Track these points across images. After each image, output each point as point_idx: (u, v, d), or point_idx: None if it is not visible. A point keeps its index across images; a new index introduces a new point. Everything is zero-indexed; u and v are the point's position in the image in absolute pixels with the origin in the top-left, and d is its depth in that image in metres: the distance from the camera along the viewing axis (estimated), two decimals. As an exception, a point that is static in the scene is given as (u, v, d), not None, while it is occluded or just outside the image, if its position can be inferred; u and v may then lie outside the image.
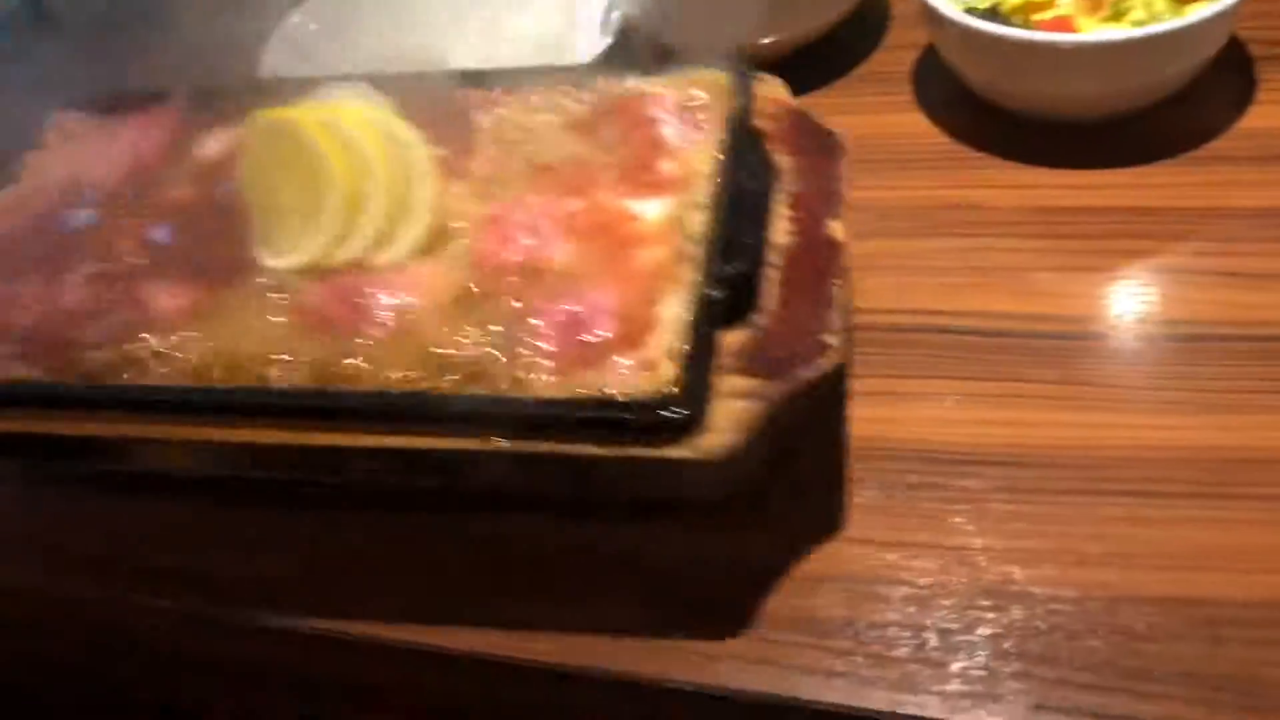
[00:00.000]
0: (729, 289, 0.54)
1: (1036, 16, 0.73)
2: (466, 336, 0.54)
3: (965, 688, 0.49)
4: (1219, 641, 0.49)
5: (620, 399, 0.50)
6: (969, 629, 0.51)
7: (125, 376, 0.56)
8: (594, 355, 0.52)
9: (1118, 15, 0.72)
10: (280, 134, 0.60)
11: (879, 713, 0.49)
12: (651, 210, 0.60)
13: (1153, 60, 0.69)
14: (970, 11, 0.74)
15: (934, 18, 0.74)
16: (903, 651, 0.51)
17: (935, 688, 0.49)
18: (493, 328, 0.54)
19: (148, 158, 0.71)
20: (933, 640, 0.51)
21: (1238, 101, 0.74)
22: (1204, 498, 0.54)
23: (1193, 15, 0.68)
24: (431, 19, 0.93)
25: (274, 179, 0.61)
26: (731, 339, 0.53)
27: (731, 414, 0.50)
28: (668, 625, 0.53)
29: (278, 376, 0.54)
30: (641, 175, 0.62)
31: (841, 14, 0.87)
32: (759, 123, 0.65)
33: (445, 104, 0.68)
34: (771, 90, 0.68)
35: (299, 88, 0.73)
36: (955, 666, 0.50)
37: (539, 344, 0.53)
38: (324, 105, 0.62)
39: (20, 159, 0.73)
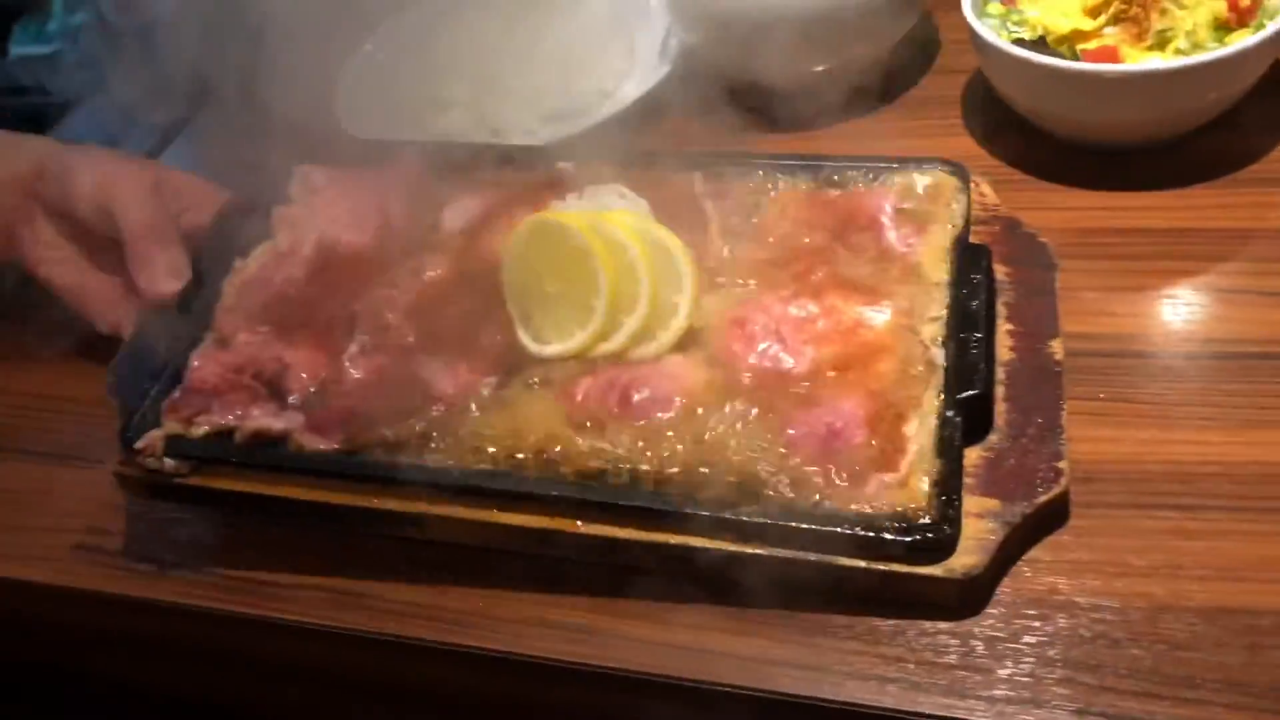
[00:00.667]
0: (968, 409, 0.60)
1: (1082, 46, 0.75)
2: (726, 439, 0.60)
3: (1012, 693, 0.52)
4: (1259, 649, 0.51)
5: (886, 521, 0.56)
6: (1015, 637, 0.54)
7: (413, 455, 0.63)
8: (852, 471, 0.58)
9: (1161, 44, 0.74)
10: (551, 233, 0.66)
11: (929, 717, 0.53)
12: (881, 319, 0.65)
13: (1196, 88, 0.72)
14: (1018, 42, 0.76)
15: (983, 47, 0.77)
16: (952, 658, 0.55)
17: (983, 693, 0.53)
18: (748, 432, 0.60)
19: (395, 220, 0.77)
20: (980, 648, 0.55)
21: (1278, 125, 0.77)
22: (1245, 511, 0.57)
23: (1235, 45, 0.70)
24: (497, 48, 0.97)
25: (540, 272, 0.67)
26: (970, 458, 0.59)
27: (977, 535, 0.56)
28: (723, 632, 0.58)
29: (558, 464, 0.61)
30: (870, 280, 0.68)
31: (893, 41, 0.89)
32: (978, 228, 0.70)
33: (677, 189, 0.74)
34: (981, 193, 0.73)
35: (531, 155, 0.79)
36: (1002, 673, 0.53)
37: (797, 455, 0.59)
38: (593, 211, 0.67)
39: (268, 211, 0.79)
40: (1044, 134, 0.80)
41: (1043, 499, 0.57)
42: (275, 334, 0.70)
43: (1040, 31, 0.77)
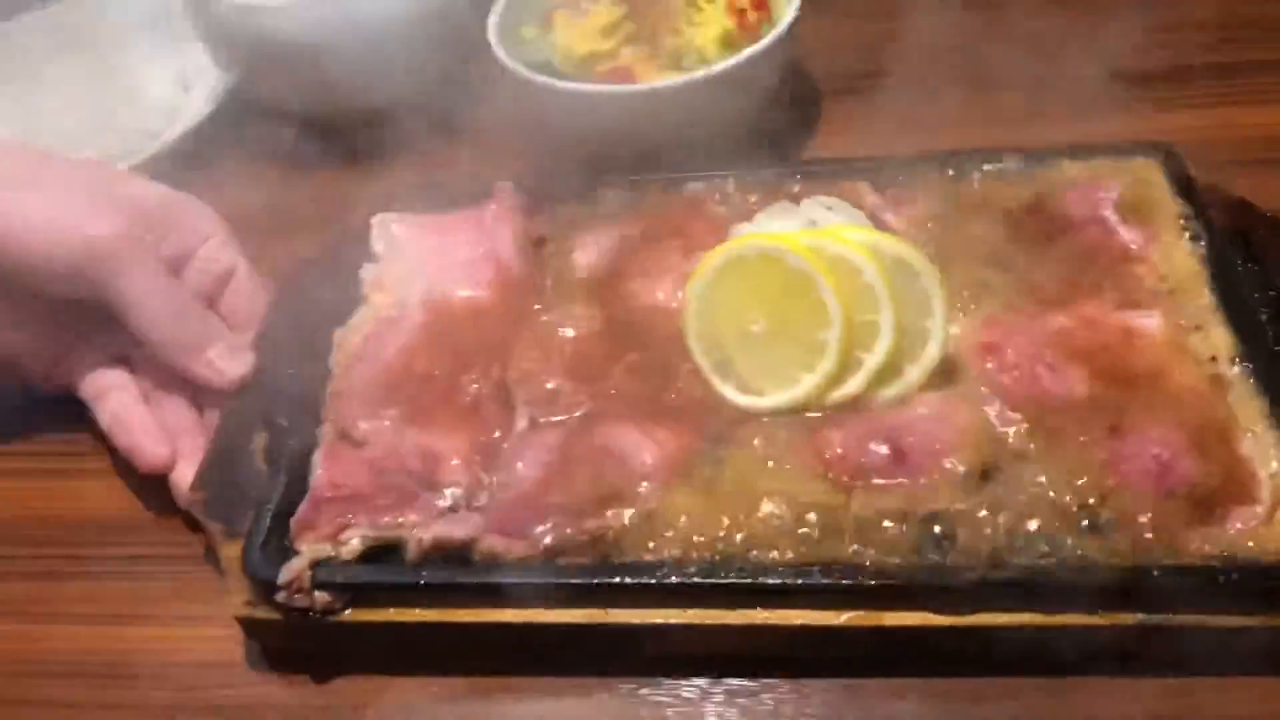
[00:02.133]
0: (1306, 416, 0.50)
1: (600, 68, 0.73)
2: (1033, 488, 0.49)
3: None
4: None
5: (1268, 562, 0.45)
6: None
7: (634, 550, 0.50)
8: (1204, 509, 0.48)
9: (674, 63, 0.72)
10: (756, 260, 0.54)
11: None
12: (1152, 324, 0.56)
13: (706, 100, 0.70)
14: (543, 66, 0.73)
15: (505, 72, 0.73)
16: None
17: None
18: (1056, 476, 0.49)
19: (511, 266, 0.64)
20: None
21: (805, 131, 0.78)
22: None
23: (737, 57, 0.69)
24: (38, 87, 0.89)
25: (741, 309, 0.55)
26: (1326, 478, 0.49)
27: (1375, 568, 0.46)
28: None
29: (827, 542, 0.49)
30: (1117, 284, 0.58)
31: (444, 72, 0.83)
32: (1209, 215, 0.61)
33: (856, 202, 0.63)
34: (1194, 171, 0.64)
35: (667, 189, 0.67)
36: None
37: (1128, 498, 0.48)
38: (806, 228, 0.56)
39: (352, 274, 0.65)
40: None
41: None
42: (407, 417, 0.56)
43: (548, 55, 0.75)
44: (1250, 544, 0.47)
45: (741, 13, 0.71)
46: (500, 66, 0.73)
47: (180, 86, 0.88)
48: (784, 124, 0.77)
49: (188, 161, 0.79)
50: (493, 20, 0.75)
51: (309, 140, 0.83)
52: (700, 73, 0.68)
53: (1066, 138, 0.66)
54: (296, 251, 0.69)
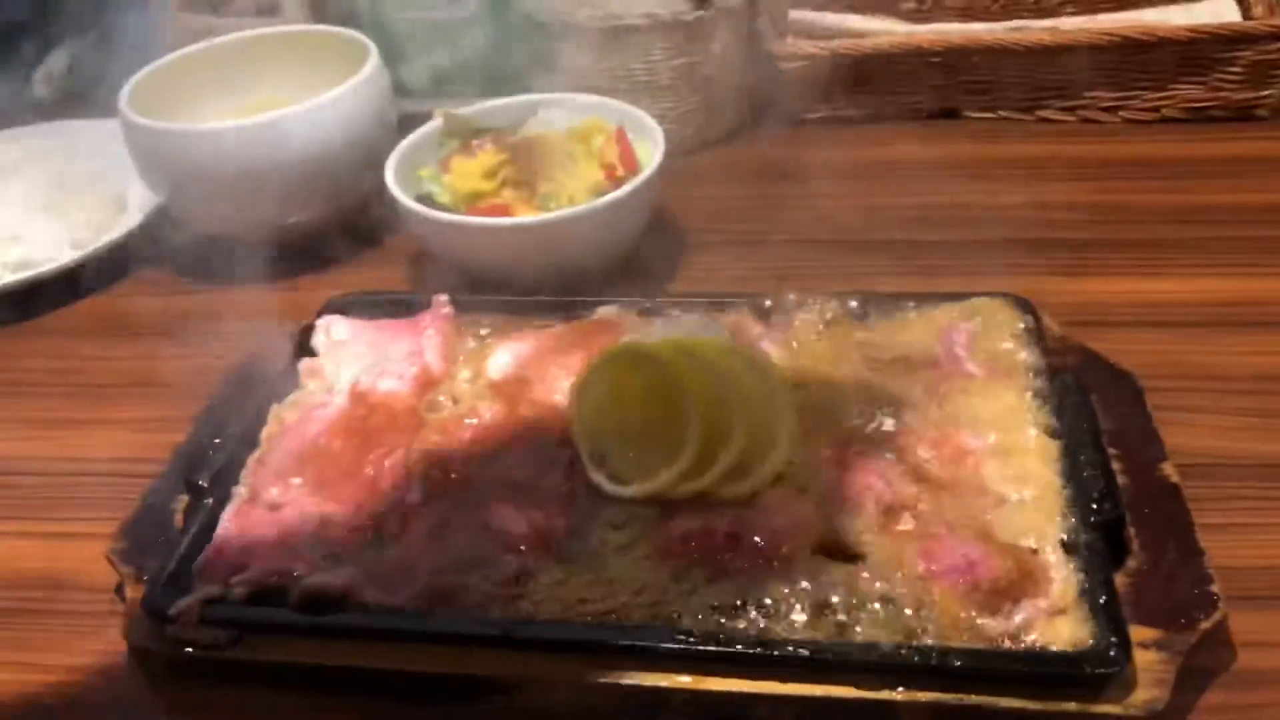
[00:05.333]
0: (1105, 534, 0.56)
1: (480, 203, 0.83)
2: (851, 577, 0.55)
3: None
4: None
5: (1053, 654, 0.51)
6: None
7: (497, 608, 0.55)
8: (997, 604, 0.53)
9: (546, 206, 0.82)
10: (631, 363, 0.62)
11: None
12: (982, 445, 0.62)
13: (577, 236, 0.80)
14: (421, 199, 0.83)
15: (390, 203, 0.83)
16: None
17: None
18: (875, 568, 0.55)
19: (433, 368, 0.71)
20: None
21: (671, 269, 0.87)
22: None
23: (596, 202, 0.78)
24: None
25: (618, 407, 0.62)
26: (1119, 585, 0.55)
27: (1149, 666, 0.51)
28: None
29: (666, 613, 0.54)
30: (958, 411, 0.65)
31: (353, 200, 0.92)
32: (1054, 359, 0.68)
33: (737, 333, 0.70)
34: (1046, 324, 0.71)
35: (579, 309, 0.75)
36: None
37: (937, 590, 0.54)
38: (678, 338, 0.63)
39: (291, 363, 0.73)
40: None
41: (1206, 626, 0.53)
42: (313, 485, 0.63)
43: (429, 190, 0.85)
44: (1040, 636, 0.52)
45: (611, 168, 0.82)
46: (389, 196, 0.82)
47: (118, 207, 0.97)
48: (650, 264, 0.86)
49: (111, 273, 0.91)
50: (392, 159, 0.85)
51: (231, 256, 0.90)
52: (562, 212, 0.79)
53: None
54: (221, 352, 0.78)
